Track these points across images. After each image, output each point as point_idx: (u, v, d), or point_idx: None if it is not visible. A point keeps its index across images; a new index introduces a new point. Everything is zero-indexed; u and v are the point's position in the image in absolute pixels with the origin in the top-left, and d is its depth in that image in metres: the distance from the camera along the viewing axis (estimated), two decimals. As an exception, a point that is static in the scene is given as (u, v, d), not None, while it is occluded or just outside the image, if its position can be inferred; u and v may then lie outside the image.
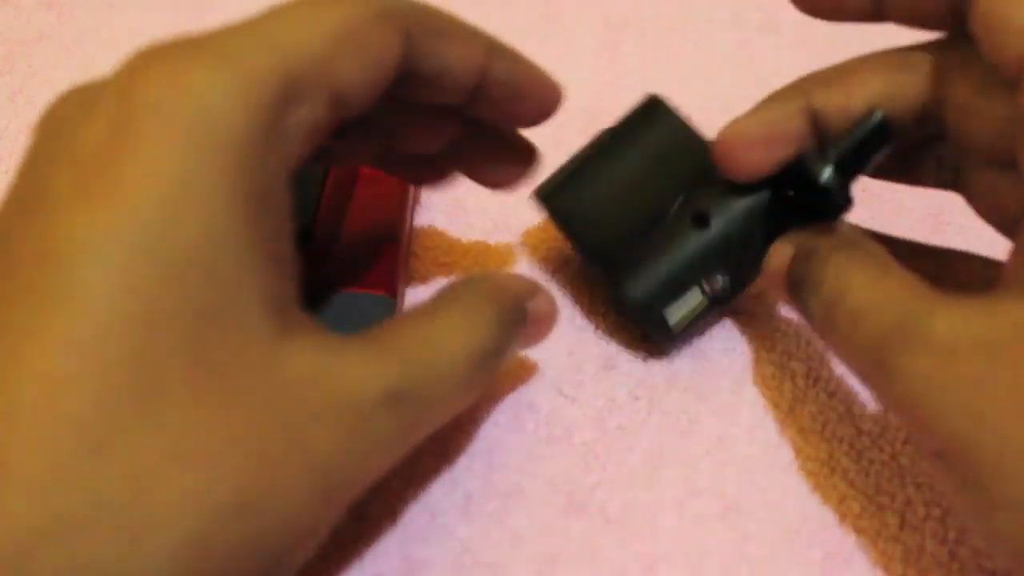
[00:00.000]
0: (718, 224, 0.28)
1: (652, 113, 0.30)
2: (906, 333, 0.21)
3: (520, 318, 0.24)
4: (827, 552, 0.26)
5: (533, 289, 0.25)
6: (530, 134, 0.38)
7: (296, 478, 0.18)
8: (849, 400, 0.29)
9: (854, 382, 0.30)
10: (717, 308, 0.29)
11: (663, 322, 0.28)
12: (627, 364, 0.30)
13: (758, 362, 0.30)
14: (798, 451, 0.28)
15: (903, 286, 0.22)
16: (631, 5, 0.45)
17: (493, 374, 0.24)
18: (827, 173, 0.25)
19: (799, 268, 0.25)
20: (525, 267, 0.33)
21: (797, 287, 0.25)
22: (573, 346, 0.30)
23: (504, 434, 0.28)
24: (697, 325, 0.29)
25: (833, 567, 0.25)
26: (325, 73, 0.19)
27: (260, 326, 0.18)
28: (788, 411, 0.29)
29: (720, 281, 0.28)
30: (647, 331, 0.29)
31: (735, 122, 0.27)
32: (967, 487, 0.20)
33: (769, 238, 0.27)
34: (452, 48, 0.22)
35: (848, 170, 0.26)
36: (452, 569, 0.25)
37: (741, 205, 0.28)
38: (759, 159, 0.26)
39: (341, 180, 0.30)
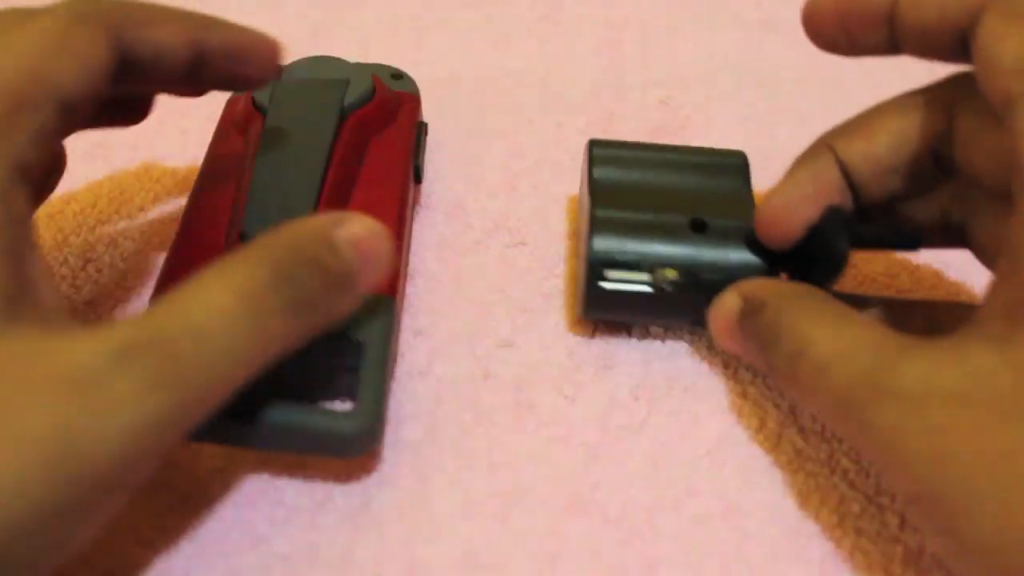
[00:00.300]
0: (712, 236, 0.29)
1: (729, 154, 0.32)
2: (874, 383, 0.21)
3: (318, 248, 0.23)
4: (827, 552, 0.26)
5: (337, 218, 0.24)
6: (533, 135, 0.38)
7: (9, 458, 0.18)
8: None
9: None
10: (659, 307, 0.29)
11: (600, 278, 0.28)
12: (627, 364, 0.30)
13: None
14: (798, 451, 0.28)
15: (866, 335, 0.23)
16: (631, 5, 0.45)
17: (310, 314, 0.22)
18: (844, 248, 0.26)
19: (751, 321, 0.26)
20: (524, 265, 0.33)
21: (750, 339, 0.26)
22: (573, 346, 0.31)
23: (504, 434, 0.28)
24: (632, 306, 0.29)
25: (833, 567, 0.25)
26: (41, 83, 0.21)
27: None
28: (788, 411, 0.29)
29: (671, 278, 0.28)
30: (586, 282, 0.29)
31: (775, 191, 0.28)
32: (940, 532, 0.20)
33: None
34: (160, 32, 0.24)
35: (860, 246, 0.27)
36: (452, 569, 0.25)
37: (743, 235, 0.29)
38: (801, 218, 0.27)
39: (341, 181, 0.30)
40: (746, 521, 0.26)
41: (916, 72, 0.44)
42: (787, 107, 0.40)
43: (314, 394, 0.28)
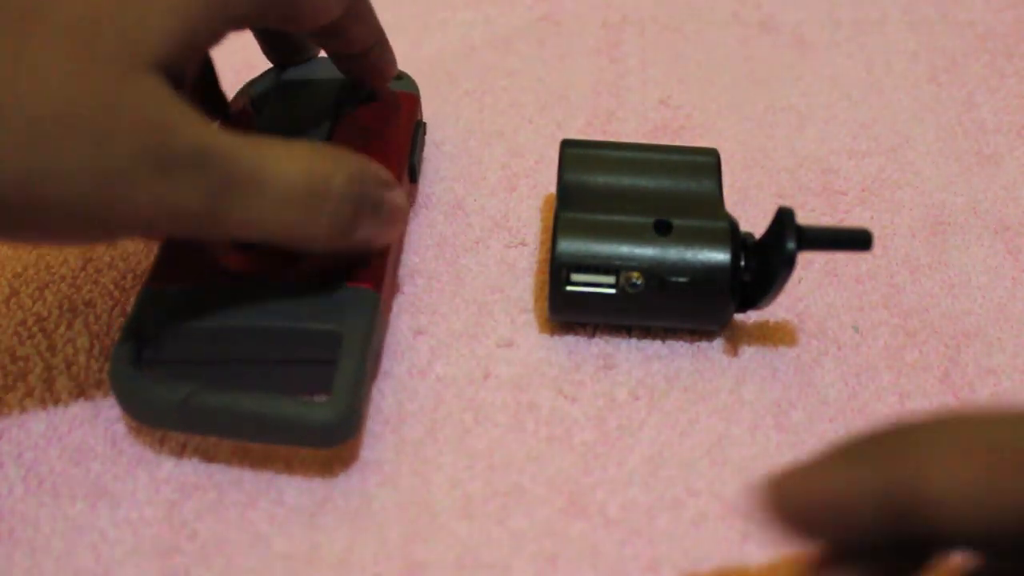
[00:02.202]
0: (677, 237, 0.29)
1: (701, 153, 0.32)
2: None
3: (370, 183, 0.26)
4: (827, 552, 0.26)
5: (391, 180, 0.27)
6: (533, 135, 0.38)
7: None
8: (844, 402, 0.29)
9: (846, 385, 0.30)
10: (624, 308, 0.29)
11: (566, 281, 0.29)
12: (627, 364, 0.30)
13: (757, 363, 0.30)
14: (797, 451, 0.28)
15: None
16: (631, 5, 0.45)
17: (342, 224, 0.25)
18: (792, 246, 0.26)
19: None
20: (524, 265, 0.33)
21: None
22: (573, 346, 0.31)
23: (504, 434, 0.28)
24: (598, 307, 0.29)
25: (833, 567, 0.25)
26: None
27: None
28: (787, 411, 0.29)
29: (635, 280, 0.28)
30: (550, 285, 0.29)
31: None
32: None
33: (708, 282, 0.28)
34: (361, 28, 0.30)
35: (808, 246, 0.27)
36: (452, 569, 0.25)
37: (706, 237, 0.29)
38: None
39: None
40: (745, 521, 0.26)
41: (917, 71, 0.45)
42: (787, 107, 0.40)
43: (298, 388, 0.28)
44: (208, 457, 0.27)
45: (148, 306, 0.27)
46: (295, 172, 0.24)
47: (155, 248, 0.33)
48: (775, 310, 0.32)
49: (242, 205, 0.23)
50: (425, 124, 0.36)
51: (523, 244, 0.34)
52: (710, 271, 0.28)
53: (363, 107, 0.33)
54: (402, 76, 0.36)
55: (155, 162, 0.22)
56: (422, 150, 0.35)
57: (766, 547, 0.26)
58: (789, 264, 0.26)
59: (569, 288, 0.29)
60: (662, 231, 0.29)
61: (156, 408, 0.25)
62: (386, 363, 0.30)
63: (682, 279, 0.28)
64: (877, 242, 0.34)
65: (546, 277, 0.32)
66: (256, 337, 0.27)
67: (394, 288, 0.31)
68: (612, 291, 0.29)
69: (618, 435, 0.28)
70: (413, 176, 0.34)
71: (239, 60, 0.34)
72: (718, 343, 0.31)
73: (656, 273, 0.28)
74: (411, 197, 0.34)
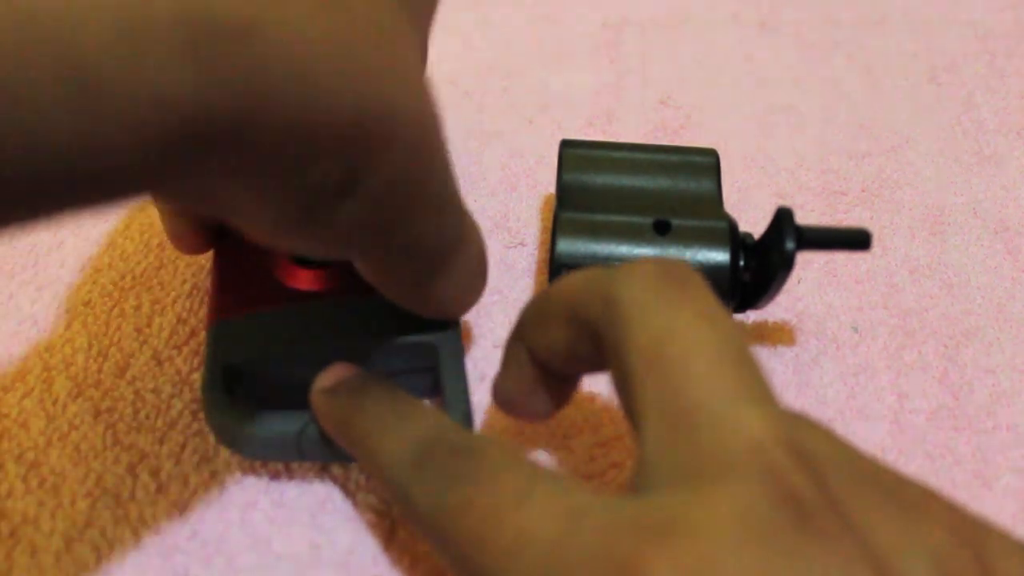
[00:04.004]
0: (676, 237, 0.29)
1: (701, 153, 0.32)
2: None
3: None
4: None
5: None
6: (533, 135, 0.38)
7: None
8: (842, 402, 0.29)
9: (845, 384, 0.30)
10: None
11: None
12: (626, 364, 0.30)
13: (757, 362, 0.30)
14: (797, 451, 0.28)
15: None
16: (631, 5, 0.45)
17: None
18: (791, 246, 0.26)
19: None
20: (524, 266, 0.33)
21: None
22: (572, 346, 0.31)
23: (500, 436, 0.28)
24: None
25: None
26: None
27: None
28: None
29: None
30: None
31: (496, 384, 0.25)
32: None
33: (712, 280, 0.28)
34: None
35: (807, 246, 0.27)
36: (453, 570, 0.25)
37: (705, 237, 0.29)
38: (534, 404, 0.24)
39: None
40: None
41: (917, 71, 0.44)
42: (787, 107, 0.40)
43: None
44: (208, 457, 0.27)
45: (227, 337, 0.26)
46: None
47: (160, 252, 0.33)
48: (774, 310, 0.32)
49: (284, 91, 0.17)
50: None
51: (523, 244, 0.34)
52: (709, 271, 0.28)
53: None
54: None
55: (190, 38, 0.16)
56: None
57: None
58: (788, 264, 0.26)
59: None
60: (661, 231, 0.29)
61: (271, 443, 0.25)
62: (386, 363, 0.30)
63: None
64: (877, 242, 0.34)
65: (546, 277, 0.32)
66: (349, 355, 0.26)
67: None
68: None
69: (617, 435, 0.28)
70: None
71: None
72: (717, 343, 0.31)
73: None
74: None
